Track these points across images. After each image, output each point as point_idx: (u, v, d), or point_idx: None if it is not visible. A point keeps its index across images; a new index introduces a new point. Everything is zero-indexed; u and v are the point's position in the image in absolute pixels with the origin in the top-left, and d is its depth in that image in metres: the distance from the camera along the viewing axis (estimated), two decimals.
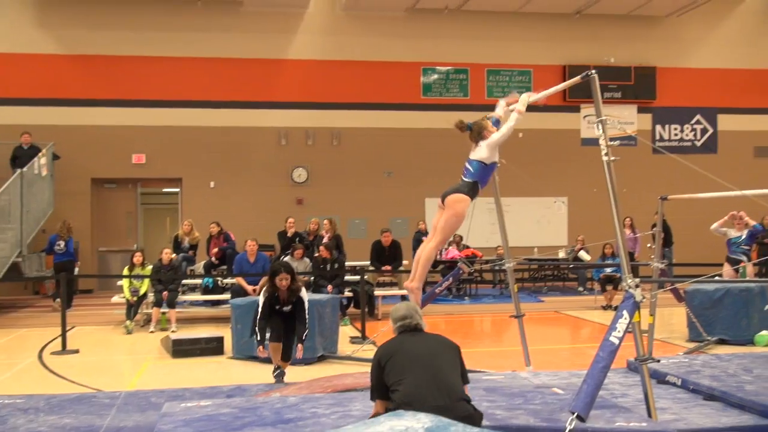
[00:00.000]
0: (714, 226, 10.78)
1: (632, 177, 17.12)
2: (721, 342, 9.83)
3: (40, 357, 9.76)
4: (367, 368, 5.38)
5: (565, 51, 19.03)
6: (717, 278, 10.35)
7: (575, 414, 4.56)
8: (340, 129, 18.32)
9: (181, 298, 12.90)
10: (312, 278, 12.42)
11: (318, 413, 5.27)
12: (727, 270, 10.70)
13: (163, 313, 12.15)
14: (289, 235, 14.24)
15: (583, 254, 16.11)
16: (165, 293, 11.99)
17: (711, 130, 19.95)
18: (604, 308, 14.00)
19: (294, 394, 6.27)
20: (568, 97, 17.91)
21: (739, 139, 19.76)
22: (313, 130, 18.20)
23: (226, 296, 12.56)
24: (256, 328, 7.40)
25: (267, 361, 8.80)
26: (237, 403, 5.67)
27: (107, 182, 17.94)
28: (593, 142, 5.24)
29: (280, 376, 7.55)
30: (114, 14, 17.29)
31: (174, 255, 12.98)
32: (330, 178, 18.16)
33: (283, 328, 7.57)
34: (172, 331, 11.35)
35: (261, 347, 7.40)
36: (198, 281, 13.52)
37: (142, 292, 12.16)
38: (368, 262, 14.27)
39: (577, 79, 5.45)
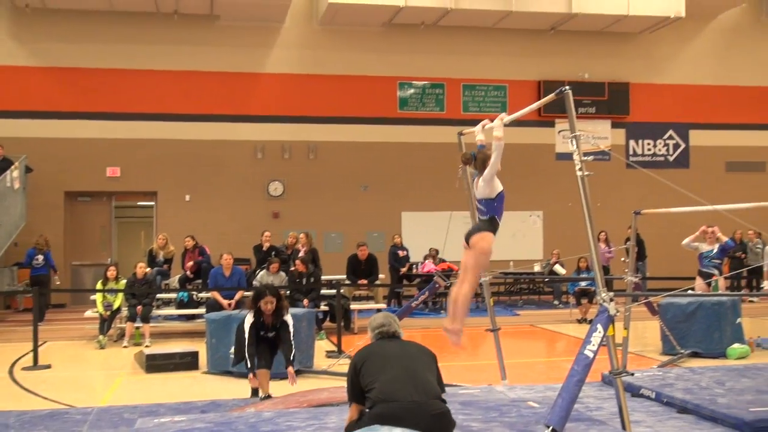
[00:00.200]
0: (686, 241, 10.90)
1: (606, 191, 17.30)
2: (695, 355, 9.92)
3: (11, 373, 9.61)
4: (343, 382, 5.36)
5: (540, 66, 19.22)
6: (690, 292, 10.46)
7: (550, 428, 4.57)
8: (317, 143, 18.33)
9: (156, 312, 12.79)
10: (288, 292, 12.37)
11: (294, 426, 5.25)
12: (699, 284, 10.82)
13: (137, 328, 12.03)
14: (264, 248, 14.17)
15: (558, 268, 16.22)
16: (139, 307, 11.88)
17: (683, 145, 20.21)
18: (579, 321, 14.07)
19: (269, 409, 6.23)
20: (543, 113, 18.03)
21: (711, 154, 20.04)
22: (289, 144, 18.20)
23: (201, 310, 12.46)
24: (246, 355, 7.15)
25: (242, 375, 8.74)
26: (211, 418, 5.63)
27: (81, 195, 17.78)
28: (568, 156, 5.29)
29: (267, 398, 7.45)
30: (89, 27, 17.20)
31: (148, 269, 12.86)
32: (306, 192, 18.14)
33: (269, 352, 7.44)
34: (146, 346, 11.24)
35: (252, 375, 7.15)
36: (173, 295, 13.40)
37: (115, 306, 12.03)
38: (344, 276, 14.24)
39: (551, 96, 5.50)
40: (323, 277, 13.97)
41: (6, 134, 16.24)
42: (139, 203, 19.62)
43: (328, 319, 13.01)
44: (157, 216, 17.81)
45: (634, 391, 6.93)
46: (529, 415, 5.65)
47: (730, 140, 20.17)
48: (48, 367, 9.88)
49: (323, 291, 13.01)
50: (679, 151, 20.19)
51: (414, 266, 16.44)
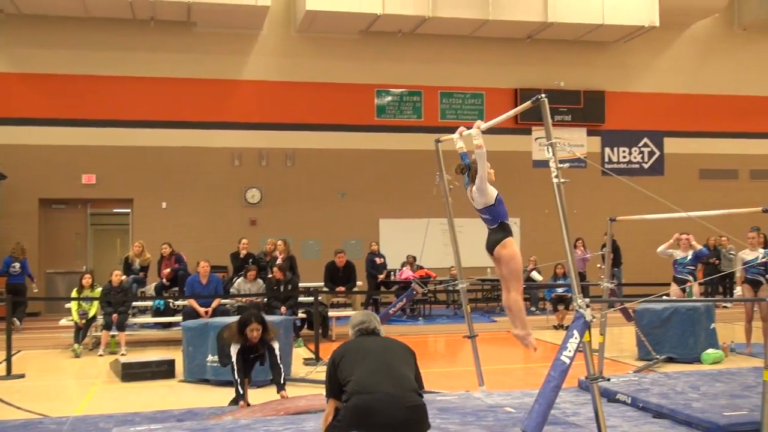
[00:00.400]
0: (660, 248, 11.00)
1: (582, 198, 17.44)
2: (670, 360, 10.01)
3: None
4: (321, 390, 5.35)
5: (516, 75, 19.36)
6: (665, 298, 10.55)
7: None
8: (294, 150, 18.31)
9: (132, 320, 12.68)
10: (265, 300, 12.33)
11: (271, 431, 5.24)
12: (674, 290, 10.91)
13: (113, 336, 11.92)
14: (242, 256, 14.12)
15: (535, 274, 16.29)
16: (114, 316, 11.77)
17: (658, 153, 20.43)
18: (556, 328, 14.15)
19: (246, 417, 6.20)
20: (519, 120, 18.16)
21: (685, 161, 20.28)
22: (266, 151, 18.16)
23: (178, 318, 12.38)
24: (237, 382, 7.03)
25: (219, 384, 8.71)
26: (188, 427, 5.60)
27: (56, 203, 17.61)
28: (544, 164, 5.32)
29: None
30: (64, 33, 17.08)
31: (124, 277, 12.77)
32: (284, 199, 18.11)
33: (252, 366, 7.36)
34: (122, 354, 11.15)
35: (243, 402, 7.00)
36: (149, 303, 13.31)
37: (91, 314, 11.91)
38: (322, 283, 14.22)
39: (528, 104, 5.54)
40: (301, 285, 13.93)
41: None
42: (114, 210, 19.47)
43: (305, 326, 12.98)
44: (133, 223, 17.69)
45: (610, 396, 6.98)
46: (505, 419, 5.68)
47: (703, 148, 20.43)
48: (22, 376, 9.75)
49: (301, 298, 12.98)
50: (653, 158, 20.41)
51: (392, 273, 16.46)
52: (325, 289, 13.77)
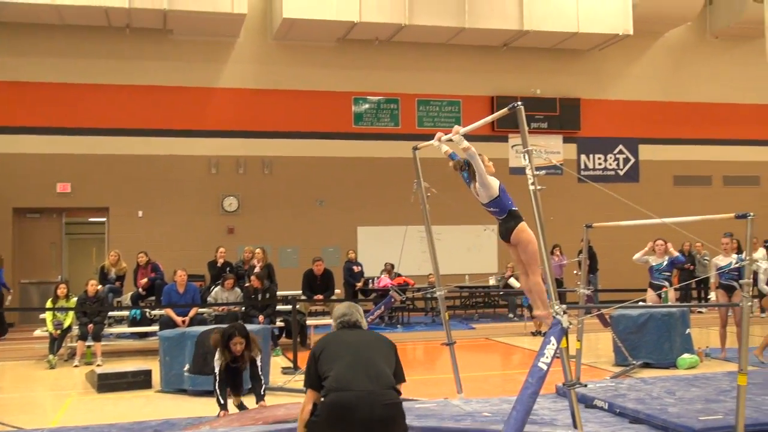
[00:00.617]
0: (636, 256, 11.09)
1: (559, 205, 17.55)
2: (646, 365, 10.08)
3: None
4: (300, 398, 5.33)
5: (493, 82, 19.46)
6: (641, 304, 10.64)
7: None
8: (272, 157, 18.27)
9: (107, 330, 12.57)
10: (243, 309, 12.28)
11: None
12: (650, 295, 11.01)
13: (89, 347, 11.81)
14: (219, 264, 14.06)
15: (513, 281, 16.34)
16: (90, 326, 11.65)
17: (633, 160, 20.63)
18: (534, 334, 14.21)
19: (224, 426, 6.17)
20: (496, 127, 18.27)
21: (660, 168, 20.49)
22: (244, 159, 18.10)
23: (155, 328, 12.29)
24: (217, 395, 7.06)
25: (196, 394, 8.66)
26: None
27: (30, 212, 17.41)
28: (521, 171, 5.36)
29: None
30: (38, 40, 16.93)
31: (100, 286, 12.65)
32: (261, 207, 18.05)
33: (233, 383, 7.34)
34: (98, 365, 11.04)
35: (224, 412, 7.02)
36: (125, 313, 13.19)
37: (66, 325, 11.79)
38: (300, 292, 14.18)
39: (504, 111, 5.57)
40: (279, 293, 13.89)
41: None
42: (90, 219, 19.30)
43: (283, 335, 12.94)
44: (108, 232, 17.53)
45: (587, 402, 7.02)
46: (483, 420, 5.70)
47: (677, 155, 20.65)
48: None
49: (279, 307, 12.94)
50: (629, 165, 20.60)
51: (370, 281, 16.45)
52: (303, 297, 13.73)
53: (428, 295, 15.37)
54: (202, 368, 7.57)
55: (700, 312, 15.17)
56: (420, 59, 19.02)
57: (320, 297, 13.55)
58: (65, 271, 17.62)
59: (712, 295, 10.88)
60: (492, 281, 17.16)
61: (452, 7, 17.63)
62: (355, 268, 16.13)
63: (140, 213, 17.41)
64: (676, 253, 11.20)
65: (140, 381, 9.46)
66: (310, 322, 13.30)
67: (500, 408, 6.73)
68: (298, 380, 9.13)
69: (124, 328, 13.09)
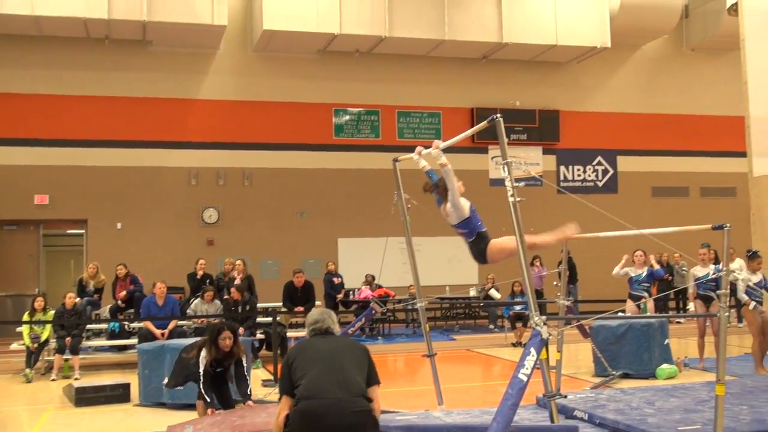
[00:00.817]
0: (615, 270, 11.15)
1: (539, 216, 17.46)
2: (625, 376, 10.13)
3: None
4: None
5: (473, 94, 19.56)
6: (620, 314, 10.70)
7: None
8: (252, 169, 18.23)
9: (86, 343, 12.46)
10: (223, 321, 12.19)
11: None
12: (629, 306, 11.08)
13: (66, 360, 11.69)
14: (199, 276, 13.98)
15: (493, 292, 16.40)
16: (68, 339, 11.54)
17: (612, 171, 20.79)
18: (514, 345, 14.25)
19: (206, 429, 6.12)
20: (476, 139, 18.31)
21: (638, 179, 20.66)
22: (224, 170, 18.04)
23: (133, 341, 12.20)
24: (202, 392, 7.02)
25: (176, 407, 8.60)
26: None
27: (7, 224, 17.24)
28: (501, 182, 5.38)
29: None
30: (16, 51, 16.81)
31: (78, 299, 12.54)
32: (241, 219, 17.99)
33: (218, 391, 7.30)
34: (75, 379, 10.93)
35: (212, 409, 6.98)
36: (103, 326, 13.08)
37: (43, 338, 11.68)
38: (281, 304, 14.13)
39: (483, 123, 5.60)
40: (259, 305, 13.83)
41: None
42: (68, 231, 19.13)
43: (264, 347, 12.88)
44: (87, 244, 17.37)
45: (567, 413, 7.05)
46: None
47: (655, 166, 20.84)
48: None
49: (259, 319, 12.89)
50: (607, 176, 20.75)
51: (351, 292, 16.42)
52: (284, 309, 13.68)
53: (409, 307, 15.36)
54: (181, 380, 7.50)
55: (678, 322, 15.25)
56: (400, 71, 19.09)
57: (301, 309, 13.49)
58: (43, 283, 17.43)
59: (691, 306, 10.96)
60: (472, 292, 17.18)
61: (432, 20, 17.73)
62: (336, 280, 16.11)
63: (119, 225, 17.29)
64: (657, 266, 11.28)
65: (119, 395, 9.39)
66: (290, 334, 13.24)
67: (481, 420, 6.73)
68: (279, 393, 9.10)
69: (103, 341, 12.98)
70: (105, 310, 13.55)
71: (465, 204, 6.18)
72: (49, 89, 17.00)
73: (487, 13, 18.14)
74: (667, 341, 10.56)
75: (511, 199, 5.25)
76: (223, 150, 17.99)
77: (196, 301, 12.56)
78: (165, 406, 8.82)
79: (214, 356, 7.09)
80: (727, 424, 5.89)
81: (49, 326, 11.70)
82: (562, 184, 19.99)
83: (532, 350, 4.92)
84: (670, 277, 17.08)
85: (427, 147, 6.44)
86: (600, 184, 20.66)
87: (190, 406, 7.44)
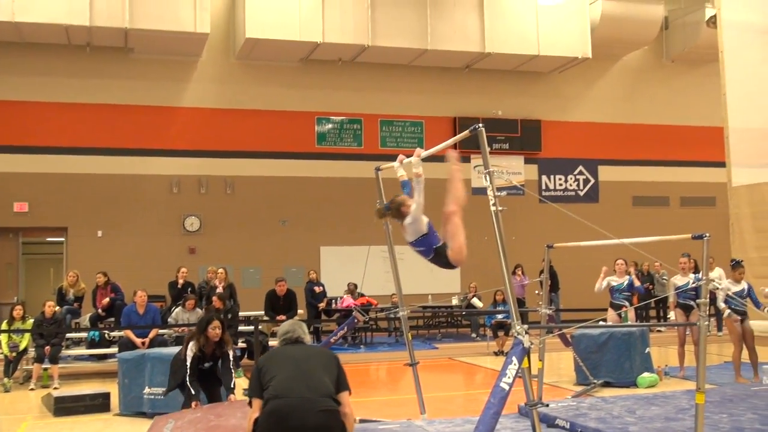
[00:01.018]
0: (597, 286, 11.20)
1: (521, 225, 17.72)
2: (607, 384, 10.18)
3: None
4: None
5: (455, 103, 19.63)
6: (601, 323, 10.75)
7: None
8: (234, 177, 18.17)
9: (65, 352, 12.35)
10: None
11: None
12: (611, 315, 11.14)
13: (45, 369, 11.56)
14: (180, 285, 13.90)
15: (475, 301, 16.43)
16: (47, 348, 11.42)
17: (593, 181, 20.92)
18: (496, 354, 14.27)
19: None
20: (459, 148, 18.31)
21: (619, 189, 20.81)
22: (206, 178, 17.98)
23: (114, 350, 12.10)
24: (188, 384, 7.03)
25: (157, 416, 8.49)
26: None
27: None
28: (483, 191, 5.39)
29: None
30: None
31: (58, 307, 12.42)
32: (223, 227, 17.92)
33: (207, 388, 7.32)
34: (55, 388, 10.82)
35: (196, 402, 7.01)
36: (83, 335, 12.97)
37: (22, 347, 11.55)
38: (263, 312, 14.08)
39: (465, 133, 5.62)
40: (241, 313, 13.77)
41: None
42: (48, 239, 18.97)
43: (246, 356, 12.82)
44: (67, 252, 17.23)
45: (549, 422, 7.06)
46: None
47: (636, 176, 21.00)
48: None
49: (241, 327, 12.83)
50: (589, 186, 20.89)
51: (333, 301, 16.39)
52: (266, 318, 13.63)
53: (391, 316, 15.34)
54: (180, 379, 7.49)
55: (659, 331, 15.36)
56: (383, 80, 19.14)
57: (283, 317, 13.44)
58: (22, 292, 17.27)
59: (671, 315, 11.03)
60: (455, 301, 17.20)
61: (415, 29, 17.80)
62: (317, 289, 16.06)
63: (100, 233, 17.17)
64: (638, 282, 11.31)
65: (98, 404, 9.30)
66: (272, 342, 13.17)
67: (463, 429, 6.74)
68: None
69: (83, 350, 12.87)
70: (85, 319, 13.43)
71: (424, 218, 6.05)
72: (29, 96, 16.88)
73: (469, 23, 18.24)
74: (647, 350, 10.62)
75: (493, 209, 5.26)
76: (205, 158, 17.94)
77: (177, 309, 12.49)
78: (145, 416, 8.75)
79: (202, 344, 7.15)
80: None
81: (27, 335, 11.58)
82: (543, 193, 20.10)
83: (514, 359, 4.92)
84: (651, 286, 17.18)
85: (409, 156, 6.45)
86: (581, 193, 20.79)
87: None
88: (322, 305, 15.93)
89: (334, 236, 18.38)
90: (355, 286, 15.96)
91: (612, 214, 19.15)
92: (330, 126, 19.03)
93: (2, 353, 11.54)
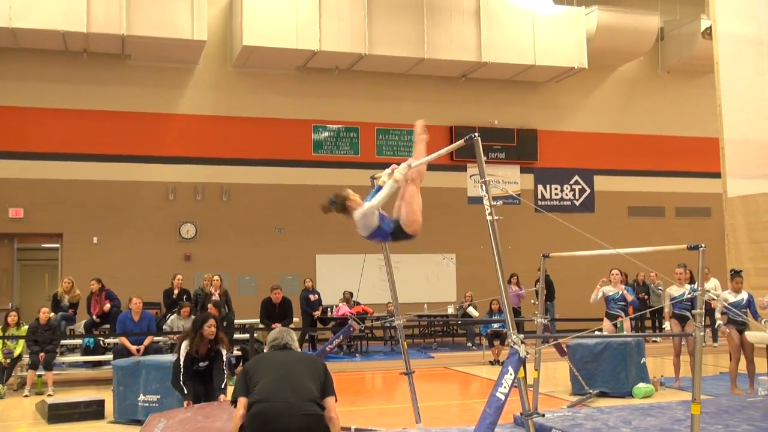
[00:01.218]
0: (592, 298, 11.20)
1: (517, 234, 17.73)
2: (602, 394, 10.17)
3: None
4: None
5: (451, 112, 19.66)
6: (597, 333, 10.75)
7: None
8: (230, 185, 18.17)
9: (60, 359, 12.31)
10: None
11: None
12: (606, 325, 11.14)
13: (39, 376, 11.53)
14: (175, 292, 13.88)
15: (471, 310, 16.43)
16: (42, 354, 11.39)
17: (588, 191, 20.96)
18: (492, 363, 14.25)
19: None
20: (455, 157, 18.42)
21: (615, 199, 20.85)
22: (202, 186, 17.97)
23: (108, 357, 12.07)
24: (181, 383, 7.14)
25: None
26: None
27: None
28: (479, 200, 5.40)
29: None
30: None
31: (52, 314, 12.39)
32: (219, 234, 17.90)
33: (203, 387, 7.35)
34: (49, 395, 10.78)
35: (188, 401, 7.07)
36: (78, 341, 12.94)
37: (16, 353, 11.52)
38: (258, 320, 14.05)
39: (461, 142, 5.63)
40: (236, 321, 13.75)
41: None
42: (43, 245, 18.93)
43: (241, 363, 12.78)
44: (62, 259, 17.19)
45: None
46: None
47: (631, 186, 21.05)
48: None
49: (236, 335, 12.81)
50: (584, 195, 20.93)
51: (329, 309, 16.36)
52: (261, 325, 13.61)
53: (387, 324, 15.35)
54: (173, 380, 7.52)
55: (654, 341, 15.37)
56: (380, 89, 19.17)
57: (278, 325, 13.41)
58: (16, 298, 17.22)
59: (666, 325, 11.04)
60: (450, 310, 17.20)
61: (412, 38, 17.85)
62: (312, 297, 16.03)
63: (95, 239, 17.14)
64: (631, 297, 11.31)
65: (92, 411, 9.26)
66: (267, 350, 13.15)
67: None
68: None
69: (77, 357, 12.84)
70: (80, 326, 13.40)
71: (373, 214, 5.98)
72: (25, 102, 16.87)
73: (466, 32, 18.29)
74: (643, 360, 10.62)
75: (489, 218, 5.27)
76: (201, 165, 17.93)
77: (172, 317, 12.47)
78: (139, 423, 8.69)
79: (197, 343, 7.20)
80: None
81: (22, 341, 11.54)
82: (539, 202, 20.13)
83: (510, 369, 4.93)
84: (646, 297, 17.20)
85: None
86: (577, 203, 20.83)
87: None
88: (317, 313, 15.91)
89: (330, 244, 18.36)
90: (351, 294, 15.93)
91: (607, 224, 19.18)
92: (327, 134, 19.05)
93: None
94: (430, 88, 19.49)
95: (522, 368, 5.07)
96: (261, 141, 18.34)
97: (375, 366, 14.70)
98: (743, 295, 10.09)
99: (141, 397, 8.87)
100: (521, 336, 5.10)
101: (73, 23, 15.55)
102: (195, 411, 6.78)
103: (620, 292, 11.11)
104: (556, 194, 20.70)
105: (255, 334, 12.10)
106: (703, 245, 5.68)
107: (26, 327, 11.80)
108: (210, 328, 7.22)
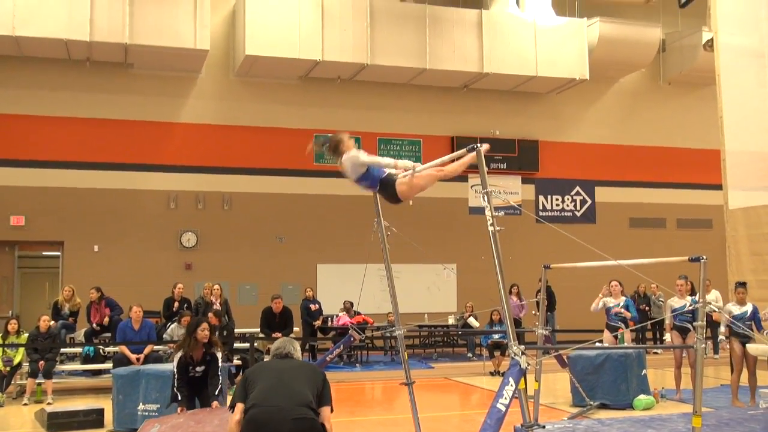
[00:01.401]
0: (593, 306, 11.19)
1: (518, 245, 17.71)
2: (603, 406, 10.14)
3: None
4: None
5: (453, 123, 19.70)
6: (598, 344, 10.73)
7: None
8: (232, 193, 18.18)
9: (59, 367, 12.28)
10: None
11: None
12: (607, 336, 11.12)
13: (39, 384, 11.51)
14: (176, 301, 13.86)
15: (472, 321, 16.40)
16: (41, 363, 11.37)
17: (590, 202, 20.97)
18: (493, 374, 14.22)
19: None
20: None
21: (616, 210, 20.86)
22: (203, 194, 17.98)
23: (108, 365, 12.05)
24: (175, 390, 7.17)
25: None
26: None
27: None
28: (481, 210, 5.41)
29: None
30: None
31: (53, 322, 12.37)
32: (220, 243, 17.90)
33: (198, 393, 7.34)
34: (48, 403, 10.76)
35: (182, 407, 7.07)
36: (78, 350, 12.92)
37: (16, 361, 11.50)
38: (258, 329, 14.04)
39: (463, 151, 5.64)
40: (236, 330, 13.73)
41: None
42: (44, 253, 18.92)
43: (241, 373, 12.75)
44: (63, 267, 17.20)
45: None
46: None
47: (633, 197, 21.06)
48: None
49: (236, 344, 12.79)
50: (586, 206, 20.93)
51: (329, 319, 16.34)
52: (262, 335, 13.60)
53: (387, 334, 15.32)
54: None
55: (655, 353, 15.34)
56: (381, 98, 19.21)
57: (279, 335, 13.41)
58: (17, 306, 17.21)
59: (667, 337, 11.02)
60: (451, 320, 17.18)
61: (414, 49, 17.90)
62: (312, 307, 16.02)
63: (96, 247, 17.14)
64: (629, 315, 11.28)
65: (92, 420, 9.23)
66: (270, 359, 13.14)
67: None
68: None
69: (77, 366, 12.81)
70: (80, 334, 13.39)
71: (362, 165, 6.03)
72: (28, 110, 16.91)
73: (468, 43, 18.34)
74: (644, 372, 10.59)
75: (490, 228, 5.27)
76: (202, 174, 17.95)
77: (172, 325, 12.46)
78: None
79: (192, 348, 7.21)
80: None
81: (22, 349, 11.53)
82: (540, 213, 20.13)
83: (511, 380, 4.91)
84: (648, 308, 17.18)
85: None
86: (578, 214, 20.83)
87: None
88: (318, 323, 15.89)
89: (331, 254, 18.37)
90: (352, 304, 15.92)
91: (609, 235, 19.16)
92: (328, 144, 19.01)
93: None
94: (432, 99, 19.54)
95: (523, 379, 5.06)
96: (263, 150, 18.36)
97: (375, 376, 14.67)
98: (748, 307, 10.04)
99: (141, 406, 8.85)
100: (522, 347, 5.09)
101: (76, 32, 15.61)
102: (187, 417, 6.80)
103: (620, 303, 11.09)
104: (557, 205, 20.70)
105: (255, 344, 12.08)
106: (704, 257, 5.68)
107: (26, 335, 11.78)
108: (203, 332, 7.23)
